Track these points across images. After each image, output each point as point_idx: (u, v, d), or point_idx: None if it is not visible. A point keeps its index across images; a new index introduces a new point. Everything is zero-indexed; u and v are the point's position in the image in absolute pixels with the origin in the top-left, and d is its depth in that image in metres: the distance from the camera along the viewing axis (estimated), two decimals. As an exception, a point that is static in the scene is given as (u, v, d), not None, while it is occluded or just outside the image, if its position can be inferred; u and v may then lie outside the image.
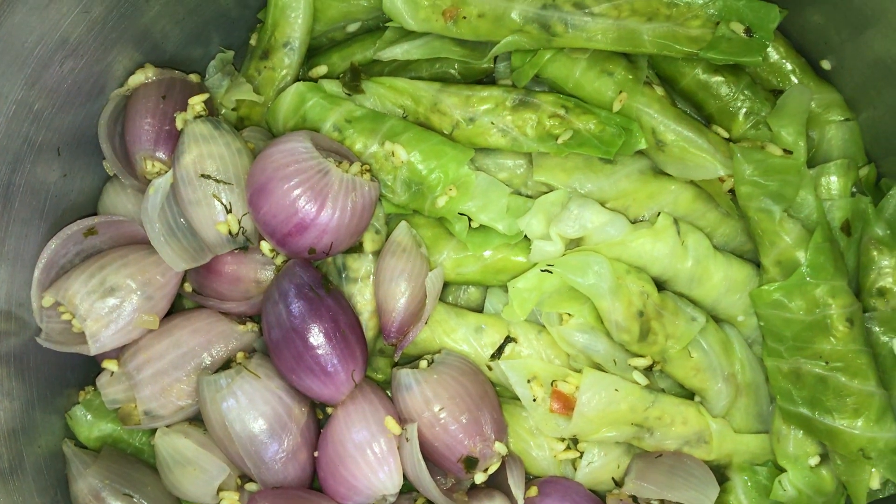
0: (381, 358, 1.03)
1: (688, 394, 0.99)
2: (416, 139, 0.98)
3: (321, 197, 0.91)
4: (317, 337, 0.92)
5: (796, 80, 0.99)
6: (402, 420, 0.94)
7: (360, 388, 0.95)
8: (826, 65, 0.97)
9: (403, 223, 0.99)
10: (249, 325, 1.01)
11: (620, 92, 0.95)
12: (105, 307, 0.96)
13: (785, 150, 0.94)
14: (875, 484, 0.92)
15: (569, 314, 0.95)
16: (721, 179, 0.96)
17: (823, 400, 0.91)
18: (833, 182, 0.96)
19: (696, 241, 0.96)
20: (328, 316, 0.93)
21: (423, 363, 0.97)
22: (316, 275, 0.95)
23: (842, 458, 0.93)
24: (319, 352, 0.92)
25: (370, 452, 0.91)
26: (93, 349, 0.96)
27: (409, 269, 0.95)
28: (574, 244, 0.97)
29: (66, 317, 0.99)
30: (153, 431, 1.01)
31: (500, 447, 0.93)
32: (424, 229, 1.00)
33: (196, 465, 0.95)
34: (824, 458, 0.96)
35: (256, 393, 0.93)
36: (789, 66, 0.99)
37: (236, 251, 0.98)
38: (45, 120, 0.93)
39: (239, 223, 0.95)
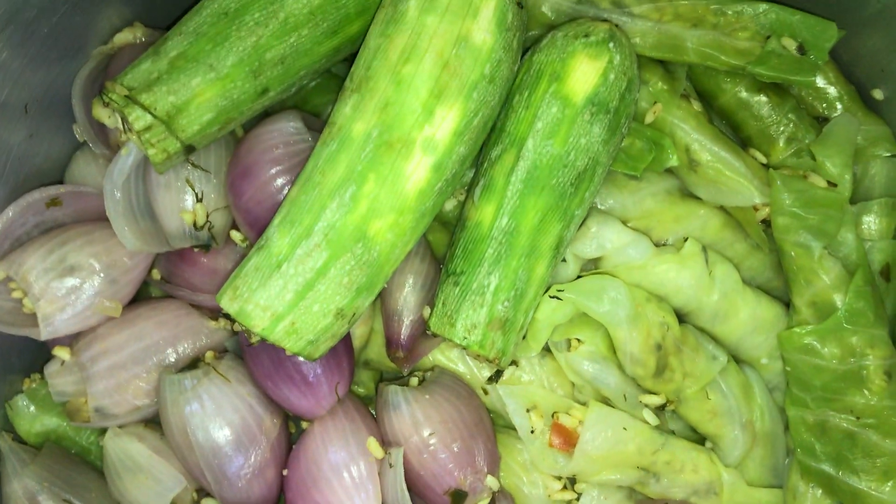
0: (365, 371, 0.93)
1: (699, 439, 0.91)
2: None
3: None
4: (299, 342, 0.82)
5: (843, 109, 0.91)
6: (385, 443, 0.84)
7: (342, 404, 0.85)
8: (878, 94, 0.90)
9: None
10: (222, 323, 0.90)
11: (655, 103, 0.87)
12: (62, 288, 0.85)
13: (829, 183, 0.86)
14: (898, 556, 0.84)
15: (579, 340, 0.86)
16: (755, 208, 0.89)
17: (850, 458, 0.83)
18: (874, 222, 0.89)
19: (725, 272, 0.87)
20: (314, 319, 0.83)
21: (414, 380, 0.87)
22: (303, 272, 0.85)
23: (864, 524, 0.85)
24: (301, 359, 0.82)
25: (347, 476, 0.82)
26: (44, 333, 0.85)
27: (424, 274, 0.86)
28: (591, 265, 0.88)
29: (16, 294, 0.88)
30: (103, 431, 0.90)
31: (492, 482, 0.84)
32: (429, 233, 0.91)
33: (148, 474, 0.85)
34: (843, 522, 0.88)
35: (225, 398, 0.83)
36: (837, 93, 0.91)
37: (197, 249, 0.88)
38: (13, 73, 0.83)
39: (207, 216, 0.86)
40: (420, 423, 0.82)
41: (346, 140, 0.76)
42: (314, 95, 0.92)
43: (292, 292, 0.74)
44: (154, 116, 0.78)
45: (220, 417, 0.82)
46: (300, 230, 0.75)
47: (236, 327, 0.80)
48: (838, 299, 0.84)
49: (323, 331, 0.75)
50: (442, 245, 0.91)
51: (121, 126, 0.82)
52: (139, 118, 0.78)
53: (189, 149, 0.81)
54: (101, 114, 0.83)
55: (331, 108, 0.90)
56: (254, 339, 0.77)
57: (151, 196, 0.87)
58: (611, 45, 0.80)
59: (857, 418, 0.83)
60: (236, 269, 0.77)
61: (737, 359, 0.91)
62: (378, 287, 0.78)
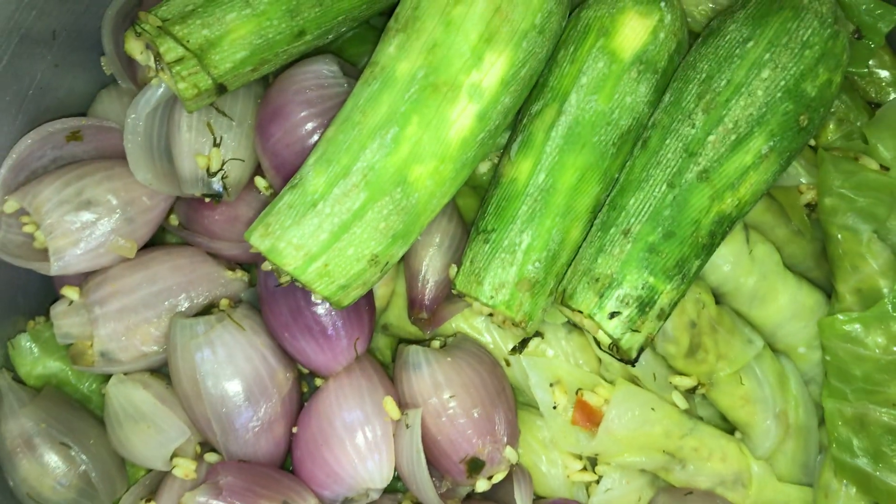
0: (384, 337, 0.89)
1: (728, 429, 0.87)
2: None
3: None
4: (321, 292, 0.78)
5: (896, 96, 0.88)
6: (402, 404, 0.80)
7: (360, 362, 0.81)
8: (936, 83, 0.87)
9: None
10: (239, 273, 0.87)
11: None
12: (77, 221, 0.82)
13: (881, 167, 0.83)
14: (935, 561, 0.79)
15: (609, 314, 0.83)
16: (799, 190, 0.85)
17: (889, 455, 0.79)
18: (924, 214, 0.85)
19: (766, 253, 0.84)
20: (337, 271, 0.79)
21: (436, 343, 0.84)
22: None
23: (900, 525, 0.81)
24: (321, 310, 0.79)
25: (361, 436, 0.78)
26: (53, 268, 0.81)
27: (451, 234, 0.82)
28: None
29: (28, 228, 0.85)
30: (106, 378, 0.86)
31: (510, 453, 0.80)
32: (459, 198, 0.88)
33: (151, 423, 0.81)
34: (877, 523, 0.83)
35: (238, 347, 0.79)
36: (892, 78, 0.88)
37: (208, 199, 0.84)
38: (45, -2, 0.80)
39: (223, 164, 0.82)
40: (440, 384, 0.78)
41: (390, 80, 0.73)
42: (350, 45, 0.89)
43: (327, 232, 0.70)
44: (186, 49, 0.75)
45: (232, 366, 0.78)
46: (337, 169, 0.71)
47: (265, 266, 0.77)
48: (885, 286, 0.80)
49: (356, 276, 0.72)
50: (472, 210, 0.88)
51: (152, 64, 0.79)
52: (171, 49, 0.75)
53: (220, 88, 0.78)
54: (134, 48, 0.80)
55: (367, 59, 0.87)
56: (283, 280, 0.73)
57: (171, 137, 0.83)
58: (662, 4, 0.77)
59: (900, 413, 0.79)
60: (266, 207, 0.74)
61: (773, 348, 0.87)
62: (413, 237, 0.75)
